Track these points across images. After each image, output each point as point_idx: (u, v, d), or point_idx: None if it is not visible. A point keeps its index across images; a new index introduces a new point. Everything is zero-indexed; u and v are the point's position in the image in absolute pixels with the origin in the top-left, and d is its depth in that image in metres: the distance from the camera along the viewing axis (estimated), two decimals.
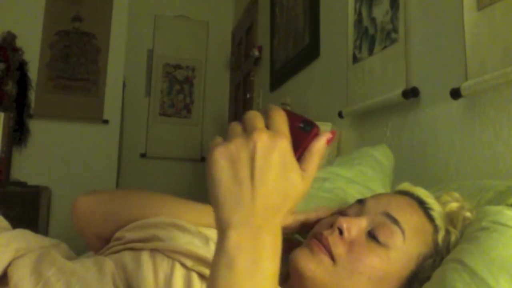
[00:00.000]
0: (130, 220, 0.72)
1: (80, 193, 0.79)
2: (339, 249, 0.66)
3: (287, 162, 0.43)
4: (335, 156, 1.71)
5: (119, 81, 3.56)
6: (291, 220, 0.78)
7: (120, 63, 3.55)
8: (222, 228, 0.43)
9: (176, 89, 4.18)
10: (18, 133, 3.20)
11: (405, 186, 0.79)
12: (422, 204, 0.73)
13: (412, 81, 1.33)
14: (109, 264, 0.62)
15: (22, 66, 3.24)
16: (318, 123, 0.49)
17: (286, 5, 2.64)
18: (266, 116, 0.46)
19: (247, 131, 0.44)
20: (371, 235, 0.67)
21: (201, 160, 4.06)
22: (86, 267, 0.62)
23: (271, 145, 0.43)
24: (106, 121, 3.46)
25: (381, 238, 0.66)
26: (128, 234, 0.68)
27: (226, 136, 0.45)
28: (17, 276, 0.60)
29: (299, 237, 0.85)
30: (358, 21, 1.66)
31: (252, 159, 0.43)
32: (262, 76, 3.15)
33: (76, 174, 3.30)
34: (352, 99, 1.66)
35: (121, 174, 3.67)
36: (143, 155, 4.02)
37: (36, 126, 3.31)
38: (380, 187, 1.06)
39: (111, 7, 3.55)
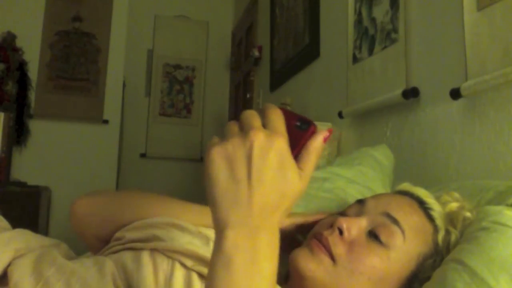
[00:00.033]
0: (129, 221, 0.72)
1: (80, 193, 0.79)
2: (339, 249, 0.66)
3: (284, 161, 0.43)
4: (335, 156, 1.71)
5: (119, 81, 3.56)
6: (288, 222, 0.78)
7: (120, 63, 3.55)
8: (220, 228, 0.43)
9: (176, 89, 4.18)
10: (18, 133, 3.20)
11: (405, 186, 0.79)
12: (422, 204, 0.73)
13: (412, 81, 1.33)
14: (109, 264, 0.62)
15: (22, 66, 3.24)
16: (318, 123, 0.49)
17: (286, 5, 2.64)
18: (263, 115, 0.45)
19: (244, 131, 0.44)
20: (371, 235, 0.67)
21: (201, 160, 4.06)
22: (86, 267, 0.62)
23: (268, 144, 0.43)
24: (106, 121, 3.46)
25: (381, 238, 0.66)
26: (128, 234, 0.68)
27: (223, 136, 0.45)
28: (17, 276, 0.60)
29: (299, 237, 0.85)
30: (358, 21, 1.66)
31: (249, 158, 0.42)
32: (262, 76, 3.15)
33: (76, 174, 3.30)
34: (352, 99, 1.66)
35: (121, 174, 3.67)
36: (143, 155, 4.03)
37: (36, 126, 3.31)
38: (380, 187, 1.06)
39: (111, 7, 3.55)
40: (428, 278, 0.67)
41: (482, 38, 1.03)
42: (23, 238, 0.71)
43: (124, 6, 3.60)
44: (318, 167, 1.12)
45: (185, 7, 4.18)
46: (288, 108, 2.08)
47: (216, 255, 0.43)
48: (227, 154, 0.43)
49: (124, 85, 3.63)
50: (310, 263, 0.65)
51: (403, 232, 0.67)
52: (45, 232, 2.94)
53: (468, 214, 0.72)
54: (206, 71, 4.24)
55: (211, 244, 0.63)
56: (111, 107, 3.49)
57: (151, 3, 4.13)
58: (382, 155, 1.15)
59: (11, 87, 3.14)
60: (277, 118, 0.45)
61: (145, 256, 0.63)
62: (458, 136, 1.14)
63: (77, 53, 3.48)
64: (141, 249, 0.64)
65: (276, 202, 0.43)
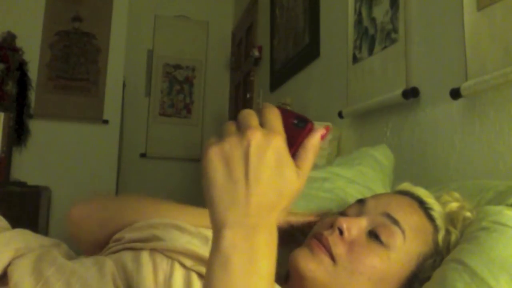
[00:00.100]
0: (126, 223, 0.72)
1: (80, 193, 0.79)
2: (339, 249, 0.66)
3: (281, 159, 0.43)
4: (335, 156, 1.71)
5: (119, 81, 3.56)
6: (282, 221, 0.78)
7: (120, 63, 3.55)
8: (217, 228, 0.43)
9: (176, 89, 4.18)
10: (18, 133, 3.20)
11: (405, 186, 0.79)
12: (422, 204, 0.73)
13: (412, 81, 1.33)
14: (109, 263, 0.62)
15: (22, 66, 3.24)
16: (317, 123, 0.49)
17: (286, 5, 2.64)
18: (260, 114, 0.45)
19: (241, 130, 0.44)
20: (372, 235, 0.67)
21: (201, 160, 4.05)
22: (86, 266, 0.62)
23: (265, 143, 0.43)
24: (106, 121, 3.46)
25: (381, 238, 0.66)
26: (128, 234, 0.69)
27: (221, 136, 0.45)
28: (17, 276, 0.59)
29: (299, 237, 0.85)
30: (358, 21, 1.66)
31: (246, 157, 0.42)
32: (262, 76, 3.15)
33: (76, 174, 3.30)
34: (352, 99, 1.66)
35: (121, 174, 3.67)
36: (143, 155, 4.02)
37: (36, 126, 3.31)
38: (380, 187, 1.06)
39: (111, 7, 3.55)
40: (428, 278, 0.67)
41: (482, 38, 1.03)
42: (23, 238, 0.71)
43: (124, 6, 3.60)
44: (318, 167, 1.12)
45: (185, 7, 4.18)
46: (288, 108, 2.08)
47: (214, 254, 0.43)
48: (224, 154, 0.43)
49: (124, 85, 3.63)
50: (310, 263, 0.65)
51: (403, 232, 0.67)
52: (45, 232, 2.94)
53: (468, 214, 0.72)
54: (206, 71, 4.24)
55: (210, 244, 0.63)
56: (111, 107, 3.49)
57: (151, 3, 4.13)
58: (382, 155, 1.15)
59: (11, 87, 3.14)
60: (274, 117, 0.45)
61: (145, 256, 0.63)
62: (458, 136, 1.14)
63: (77, 53, 3.48)
64: (141, 249, 0.64)
65: (274, 201, 0.43)
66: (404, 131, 1.38)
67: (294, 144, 0.46)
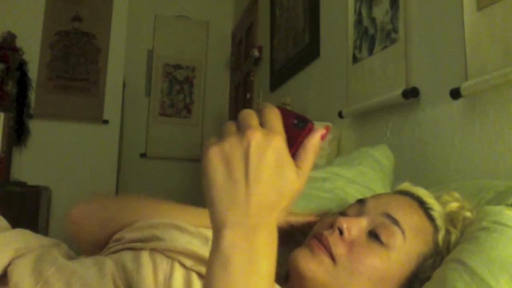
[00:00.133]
0: (126, 223, 0.72)
1: (80, 193, 0.80)
2: (339, 249, 0.66)
3: (281, 159, 0.43)
4: (335, 156, 1.71)
5: (119, 81, 3.56)
6: (282, 221, 0.78)
7: (120, 63, 3.55)
8: (217, 228, 0.43)
9: (176, 89, 4.18)
10: (18, 133, 3.20)
11: (405, 186, 0.79)
12: (422, 204, 0.73)
13: (412, 81, 1.33)
14: (109, 263, 0.62)
15: (22, 66, 3.24)
16: (317, 123, 0.49)
17: (286, 5, 2.64)
18: (260, 114, 0.45)
19: (241, 130, 0.43)
20: (372, 235, 0.67)
21: (201, 160, 4.05)
22: (86, 266, 0.62)
23: (265, 143, 0.42)
24: (106, 121, 3.46)
25: (381, 238, 0.66)
26: (127, 234, 0.68)
27: (221, 136, 0.45)
28: (17, 276, 0.59)
29: (299, 237, 0.85)
30: (358, 21, 1.66)
31: (246, 157, 0.42)
32: (262, 76, 3.15)
33: (76, 174, 3.30)
34: (352, 99, 1.66)
35: (121, 174, 3.67)
36: (143, 155, 4.02)
37: (36, 126, 3.31)
38: (380, 187, 1.06)
39: (111, 7, 3.55)
40: (428, 278, 0.67)
41: (482, 38, 1.03)
42: (23, 238, 0.71)
43: (124, 6, 3.60)
44: (318, 167, 1.12)
45: (185, 7, 4.18)
46: (288, 108, 2.08)
47: (214, 255, 0.43)
48: (224, 154, 0.43)
49: (124, 85, 3.63)
50: (310, 263, 0.65)
51: (403, 232, 0.67)
52: (45, 232, 2.94)
53: (468, 214, 0.72)
54: (206, 71, 4.24)
55: (210, 244, 0.63)
56: (111, 107, 3.49)
57: (151, 3, 4.13)
58: (382, 155, 1.15)
59: (11, 87, 3.14)
60: (274, 117, 0.45)
61: (145, 256, 0.63)
62: (458, 136, 1.14)
63: (77, 53, 3.48)
64: (141, 249, 0.64)
65: (274, 201, 0.43)
66: (404, 131, 1.38)
67: (294, 144, 0.46)
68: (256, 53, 3.19)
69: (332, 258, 0.65)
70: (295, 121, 0.47)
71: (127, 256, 0.63)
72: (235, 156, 0.43)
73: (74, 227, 0.77)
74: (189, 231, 0.66)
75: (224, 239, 0.42)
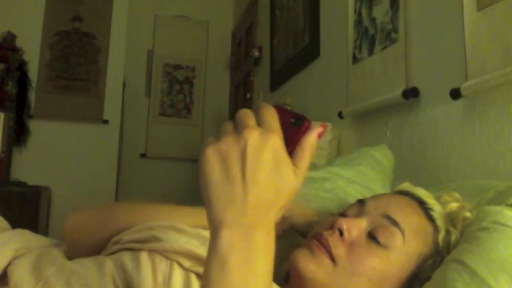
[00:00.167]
0: (123, 228, 0.71)
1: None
2: (339, 250, 0.66)
3: (279, 158, 0.43)
4: (335, 156, 1.71)
5: (119, 81, 3.56)
6: (280, 219, 0.78)
7: (120, 63, 3.55)
8: (215, 228, 0.43)
9: (176, 89, 4.18)
10: (18, 133, 3.20)
11: (405, 186, 0.79)
12: (422, 204, 0.73)
13: (412, 81, 1.33)
14: (108, 263, 0.62)
15: (22, 66, 3.23)
16: (317, 123, 0.49)
17: (286, 5, 2.64)
18: (257, 114, 0.45)
19: (238, 129, 0.43)
20: (371, 236, 0.67)
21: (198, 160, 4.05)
22: (85, 266, 0.62)
23: (262, 142, 0.42)
24: (106, 121, 3.46)
25: (381, 239, 0.66)
26: (126, 236, 0.68)
27: (218, 136, 0.45)
28: (17, 276, 0.60)
29: (299, 237, 0.85)
30: (358, 21, 1.66)
31: (243, 156, 0.42)
32: (262, 76, 3.15)
33: (76, 174, 3.30)
34: (352, 99, 1.66)
35: (121, 174, 3.67)
36: (143, 155, 4.02)
37: (36, 126, 3.31)
38: (380, 187, 1.06)
39: (111, 7, 3.55)
40: (428, 278, 0.67)
41: (482, 38, 1.03)
42: (22, 238, 0.72)
43: (124, 6, 3.60)
44: (318, 167, 1.12)
45: (185, 7, 4.18)
46: (288, 108, 2.08)
47: (211, 254, 0.43)
48: (221, 153, 0.43)
49: (124, 85, 3.63)
50: (310, 264, 0.65)
51: (402, 233, 0.67)
52: (45, 232, 2.94)
53: (468, 214, 0.72)
54: (206, 71, 4.24)
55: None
56: (111, 107, 3.49)
57: (151, 3, 4.13)
58: (382, 155, 1.15)
59: (11, 87, 3.14)
60: (271, 116, 0.45)
61: (144, 257, 0.62)
62: (458, 136, 1.14)
63: (77, 53, 3.47)
64: (139, 249, 0.64)
65: (271, 200, 0.43)
66: (404, 131, 1.38)
67: (292, 142, 0.46)
68: (256, 53, 3.19)
69: (332, 259, 0.65)
70: (292, 120, 0.47)
71: (126, 256, 0.63)
72: (232, 156, 0.42)
73: (70, 235, 0.76)
74: (187, 232, 0.66)
75: (221, 239, 0.42)
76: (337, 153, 1.75)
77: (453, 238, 0.71)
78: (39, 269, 0.60)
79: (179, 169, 4.04)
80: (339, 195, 0.99)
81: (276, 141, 0.43)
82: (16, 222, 0.81)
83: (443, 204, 0.74)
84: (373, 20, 1.55)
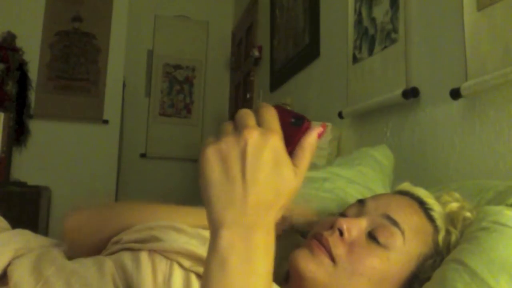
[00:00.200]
0: (124, 228, 0.71)
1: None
2: (339, 250, 0.66)
3: (279, 158, 0.43)
4: (335, 156, 1.71)
5: (119, 81, 3.56)
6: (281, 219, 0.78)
7: (120, 63, 3.55)
8: (215, 228, 0.43)
9: (176, 89, 4.18)
10: (18, 133, 3.20)
11: (405, 186, 0.79)
12: (422, 204, 0.73)
13: (412, 81, 1.33)
14: (108, 263, 0.62)
15: (22, 66, 3.23)
16: (317, 123, 0.49)
17: (286, 5, 2.64)
18: (257, 114, 0.45)
19: (238, 129, 0.43)
20: (371, 236, 0.67)
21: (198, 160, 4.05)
22: (85, 266, 0.62)
23: (262, 142, 0.42)
24: (106, 121, 3.46)
25: (381, 239, 0.66)
26: (126, 236, 0.68)
27: (218, 136, 0.44)
28: (17, 276, 0.60)
29: (299, 237, 0.85)
30: (358, 21, 1.66)
31: (243, 156, 0.42)
32: (262, 76, 3.15)
33: (76, 174, 3.30)
34: (352, 99, 1.66)
35: (121, 174, 3.67)
36: (143, 155, 4.02)
37: (36, 126, 3.31)
38: (380, 187, 1.06)
39: (111, 7, 3.55)
40: (428, 279, 0.67)
41: (482, 38, 1.03)
42: (22, 238, 0.72)
43: (124, 6, 3.60)
44: (318, 167, 1.12)
45: (185, 7, 4.18)
46: (288, 108, 2.08)
47: (211, 254, 0.43)
48: (221, 153, 0.43)
49: (124, 85, 3.63)
50: (310, 264, 0.65)
51: (402, 233, 0.67)
52: (45, 232, 2.94)
53: (468, 214, 0.72)
54: (206, 71, 4.24)
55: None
56: (111, 107, 3.49)
57: (151, 3, 4.13)
58: (382, 155, 1.15)
59: (11, 87, 3.14)
60: (271, 116, 0.45)
61: (144, 257, 0.62)
62: (458, 136, 1.14)
63: (77, 53, 3.47)
64: (139, 249, 0.64)
65: (271, 200, 0.43)
66: (404, 131, 1.38)
67: (292, 142, 0.46)
68: (256, 53, 3.19)
69: (332, 259, 0.65)
70: (292, 120, 0.47)
71: (126, 256, 0.63)
72: (232, 156, 0.42)
73: (70, 235, 0.76)
74: (187, 232, 0.66)
75: (221, 239, 0.42)
76: (337, 153, 1.75)
77: (453, 238, 0.71)
78: (39, 269, 0.60)
79: (179, 169, 4.04)
80: (339, 195, 0.99)
81: (276, 141, 0.43)
82: (16, 222, 0.81)
83: (443, 204, 0.74)
84: (373, 20, 1.55)
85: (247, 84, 3.63)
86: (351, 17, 1.70)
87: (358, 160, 1.12)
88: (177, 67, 4.18)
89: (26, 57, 3.26)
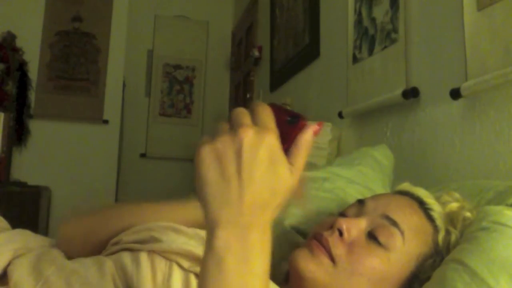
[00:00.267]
0: (113, 231, 0.70)
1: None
2: (339, 250, 0.66)
3: (274, 157, 0.43)
4: (335, 156, 1.71)
5: (119, 81, 3.56)
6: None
7: (120, 63, 3.55)
8: (211, 227, 0.43)
9: (176, 89, 4.18)
10: (18, 133, 3.20)
11: (405, 186, 0.79)
12: (422, 204, 0.73)
13: (412, 81, 1.32)
14: (109, 263, 0.62)
15: (22, 66, 3.24)
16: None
17: (286, 5, 2.64)
18: (253, 113, 0.45)
19: (233, 128, 0.43)
20: (371, 236, 0.67)
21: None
22: (86, 266, 0.62)
23: (258, 141, 0.42)
24: (106, 121, 3.46)
25: (380, 239, 0.66)
26: (125, 237, 0.68)
27: (214, 135, 0.44)
28: (17, 275, 0.60)
29: (299, 237, 0.85)
30: (358, 21, 1.66)
31: (239, 155, 0.42)
32: (262, 76, 3.15)
33: (76, 174, 3.30)
34: (352, 99, 1.66)
35: (121, 174, 3.67)
36: (143, 155, 4.02)
37: (36, 126, 3.31)
38: (380, 187, 1.06)
39: (111, 7, 3.55)
40: (428, 278, 0.67)
41: (482, 38, 1.03)
42: (22, 238, 0.72)
43: (124, 6, 3.60)
44: (318, 167, 1.12)
45: (185, 7, 4.18)
46: (288, 108, 2.08)
47: (208, 254, 0.43)
48: (217, 152, 0.43)
49: (124, 85, 3.63)
50: (310, 264, 0.65)
51: (402, 233, 0.67)
52: (45, 232, 2.94)
53: (468, 214, 0.72)
54: (206, 71, 4.24)
55: None
56: (111, 107, 3.49)
57: (151, 3, 4.13)
58: (382, 155, 1.15)
59: (11, 87, 3.14)
60: (266, 115, 0.45)
61: (144, 257, 0.62)
62: (458, 136, 1.14)
63: (77, 53, 3.48)
64: (139, 250, 0.64)
65: (267, 199, 0.43)
66: (404, 131, 1.38)
67: (287, 140, 0.45)
68: (256, 53, 3.19)
69: (332, 259, 0.65)
70: (288, 118, 0.47)
71: (126, 257, 0.63)
72: (227, 155, 0.42)
73: (63, 249, 0.75)
74: (186, 232, 0.66)
75: (217, 239, 0.42)
76: (337, 153, 1.75)
77: (453, 238, 0.71)
78: (39, 268, 0.60)
79: (179, 169, 4.04)
80: (339, 195, 0.99)
81: (271, 140, 0.43)
82: (16, 222, 0.81)
83: (443, 204, 0.74)
84: (373, 20, 1.55)
85: (247, 84, 3.63)
86: (351, 17, 1.70)
87: (358, 160, 1.12)
88: (177, 67, 4.18)
89: (26, 57, 3.27)
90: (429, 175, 1.23)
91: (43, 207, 2.97)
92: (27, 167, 3.22)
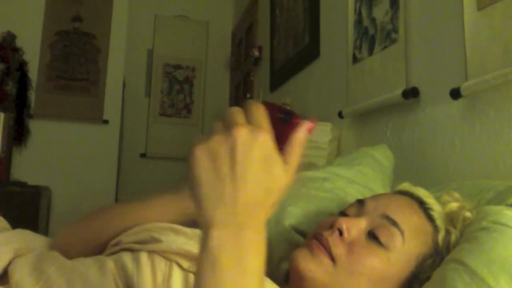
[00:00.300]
0: (116, 233, 0.71)
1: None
2: (339, 249, 0.66)
3: (268, 155, 0.43)
4: (335, 156, 1.71)
5: (119, 81, 3.56)
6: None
7: (120, 63, 3.55)
8: (205, 227, 0.43)
9: (176, 89, 4.18)
10: (18, 133, 3.20)
11: (405, 186, 0.79)
12: (422, 204, 0.73)
13: (412, 81, 1.33)
14: (110, 263, 0.62)
15: (22, 66, 3.23)
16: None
17: (286, 5, 2.64)
18: (246, 112, 0.45)
19: (227, 128, 0.43)
20: (371, 236, 0.67)
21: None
22: (86, 265, 0.62)
23: (251, 140, 0.42)
24: (106, 121, 3.46)
25: (380, 239, 0.66)
26: (125, 238, 0.68)
27: (209, 135, 0.44)
28: (18, 275, 0.60)
29: (299, 237, 0.85)
30: (358, 21, 1.66)
31: (233, 154, 0.42)
32: (262, 76, 3.15)
33: (76, 174, 3.30)
34: (352, 99, 1.66)
35: (121, 174, 3.67)
36: (143, 155, 4.02)
37: (36, 126, 3.31)
38: (380, 187, 1.06)
39: (111, 7, 3.55)
40: (428, 278, 0.67)
41: (482, 38, 1.03)
42: (23, 238, 0.72)
43: (124, 6, 3.60)
44: (318, 167, 1.12)
45: (185, 7, 4.18)
46: (288, 107, 2.07)
47: (203, 254, 0.43)
48: (211, 152, 0.43)
49: (124, 85, 3.63)
50: (310, 264, 0.66)
51: (402, 233, 0.67)
52: (45, 232, 2.94)
53: (468, 214, 0.72)
54: (206, 71, 4.24)
55: None
56: (111, 107, 3.49)
57: (151, 3, 4.13)
58: (382, 155, 1.15)
59: (11, 87, 3.14)
60: (260, 114, 0.44)
61: (144, 257, 0.63)
62: (458, 136, 1.14)
63: (77, 53, 3.48)
64: (139, 250, 0.64)
65: (262, 198, 0.43)
66: (404, 131, 1.38)
67: (281, 138, 0.45)
68: (256, 53, 3.19)
69: (332, 258, 0.65)
70: (282, 116, 0.47)
71: (127, 257, 0.63)
72: (221, 154, 0.42)
73: (64, 250, 0.75)
74: (185, 233, 0.67)
75: (211, 239, 0.42)
76: (337, 153, 1.75)
77: (453, 238, 0.71)
78: (40, 268, 0.61)
79: (179, 169, 4.03)
80: (339, 195, 0.99)
81: (265, 138, 0.43)
82: (16, 222, 0.81)
83: (443, 204, 0.74)
84: (373, 20, 1.55)
85: (247, 84, 3.63)
86: (351, 17, 1.70)
87: (358, 160, 1.12)
88: (177, 67, 4.18)
89: (26, 57, 3.27)
90: (429, 175, 1.23)
91: (43, 207, 2.97)
92: (27, 167, 3.22)
